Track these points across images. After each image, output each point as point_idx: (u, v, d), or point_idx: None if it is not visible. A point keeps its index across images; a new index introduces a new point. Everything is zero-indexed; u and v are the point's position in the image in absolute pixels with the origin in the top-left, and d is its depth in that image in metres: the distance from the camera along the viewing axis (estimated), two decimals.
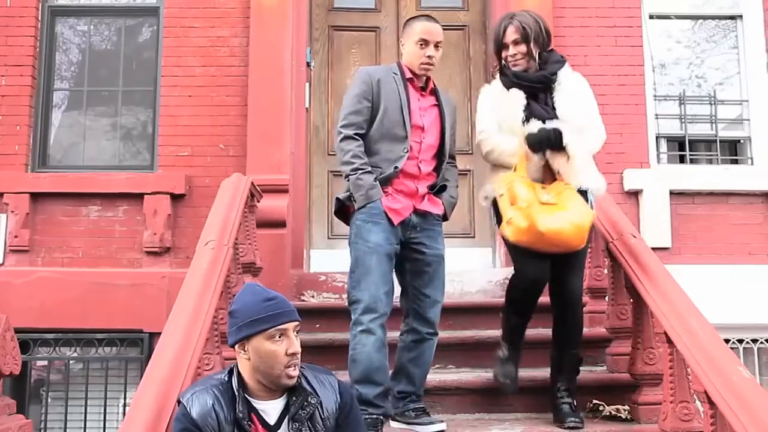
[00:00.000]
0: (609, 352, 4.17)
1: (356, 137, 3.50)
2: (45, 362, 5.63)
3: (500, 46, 3.71)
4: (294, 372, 2.42)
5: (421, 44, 3.57)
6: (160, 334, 3.13)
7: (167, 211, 5.64)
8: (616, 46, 6.01)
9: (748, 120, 6.13)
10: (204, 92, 5.86)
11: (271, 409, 2.43)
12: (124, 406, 5.38)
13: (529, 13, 3.69)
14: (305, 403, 2.43)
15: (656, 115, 6.08)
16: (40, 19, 6.05)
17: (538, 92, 3.63)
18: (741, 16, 6.25)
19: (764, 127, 6.03)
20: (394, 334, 3.61)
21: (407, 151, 3.50)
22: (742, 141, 6.17)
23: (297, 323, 2.47)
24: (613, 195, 5.16)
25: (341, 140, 3.53)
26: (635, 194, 5.80)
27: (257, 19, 5.82)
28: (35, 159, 5.91)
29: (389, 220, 3.47)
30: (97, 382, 5.46)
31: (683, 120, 6.16)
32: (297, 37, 5.88)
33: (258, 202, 4.96)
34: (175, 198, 5.70)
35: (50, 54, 6.10)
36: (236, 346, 2.44)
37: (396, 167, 3.48)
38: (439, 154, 3.63)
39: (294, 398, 2.43)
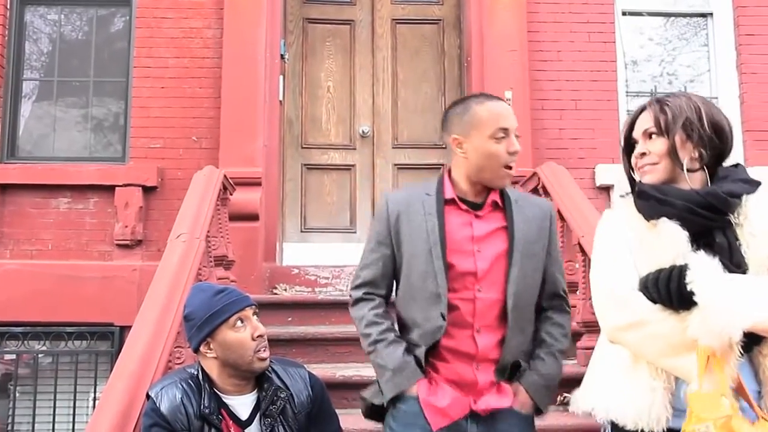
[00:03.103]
0: (579, 346, 4.18)
1: (370, 297, 2.37)
2: (13, 356, 5.55)
3: (628, 143, 2.11)
4: (265, 354, 2.41)
5: (502, 136, 2.28)
6: (130, 327, 3.11)
7: (139, 204, 5.59)
8: (589, 42, 6.05)
9: None
10: (176, 84, 5.81)
11: (241, 404, 2.42)
12: (94, 400, 5.33)
13: (689, 96, 2.06)
14: (275, 398, 2.41)
15: (628, 111, 6.12)
16: (9, 7, 5.95)
17: (712, 228, 1.93)
18: (711, 14, 6.33)
19: (733, 124, 6.09)
20: None
21: (445, 318, 2.22)
22: None
23: (254, 307, 2.47)
24: (585, 190, 5.20)
25: (351, 305, 2.42)
26: (607, 189, 5.85)
27: (231, 11, 5.78)
28: (4, 150, 5.82)
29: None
30: (67, 376, 5.40)
31: None
32: (271, 29, 5.85)
33: (230, 195, 4.94)
34: (147, 190, 5.65)
35: (19, 43, 6.01)
36: (201, 347, 2.41)
37: (432, 343, 2.23)
38: (509, 312, 2.25)
39: (264, 393, 2.42)
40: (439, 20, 6.42)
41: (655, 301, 1.88)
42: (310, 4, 6.38)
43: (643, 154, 2.03)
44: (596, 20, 6.09)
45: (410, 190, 2.48)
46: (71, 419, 5.36)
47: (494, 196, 2.33)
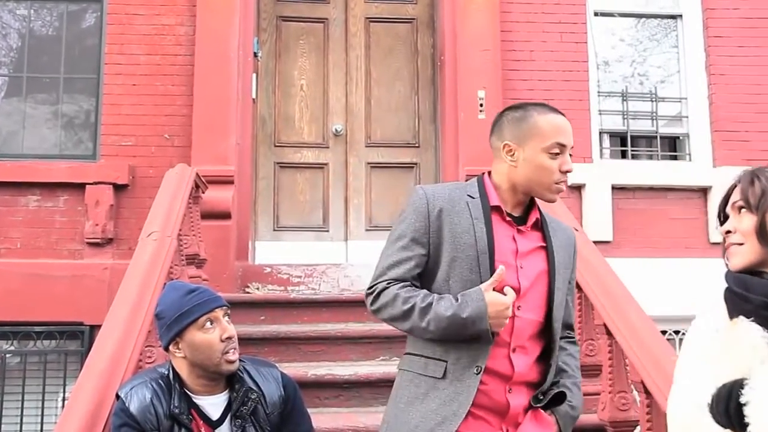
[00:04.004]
0: None
1: (395, 283, 2.10)
2: None
3: (722, 217, 1.79)
4: (233, 356, 2.39)
5: (557, 152, 2.13)
6: (101, 326, 3.08)
7: (110, 202, 5.54)
8: (562, 42, 6.09)
9: (687, 117, 6.28)
10: (148, 81, 5.77)
11: (212, 404, 2.41)
12: (64, 400, 5.27)
13: None
14: (246, 399, 2.40)
15: (599, 111, 6.19)
16: None
17: None
18: (681, 16, 6.41)
19: (702, 125, 6.19)
20: None
21: (495, 336, 2.04)
22: (681, 138, 6.33)
23: (226, 308, 2.45)
24: None
25: (373, 298, 2.12)
26: (578, 188, 5.90)
27: (204, 8, 5.74)
28: None
29: None
30: (35, 376, 5.34)
31: (625, 116, 6.28)
32: (244, 27, 5.83)
33: (203, 193, 4.91)
34: (118, 188, 5.60)
35: None
36: (170, 347, 2.40)
37: (479, 367, 2.04)
38: (548, 334, 2.16)
39: (235, 394, 2.41)
40: (413, 19, 6.43)
41: (722, 425, 1.53)
42: (284, 2, 6.36)
43: (729, 232, 1.71)
44: (568, 21, 6.14)
45: (447, 187, 2.24)
46: (39, 420, 5.30)
47: (536, 214, 2.20)
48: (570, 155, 2.17)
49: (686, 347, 1.74)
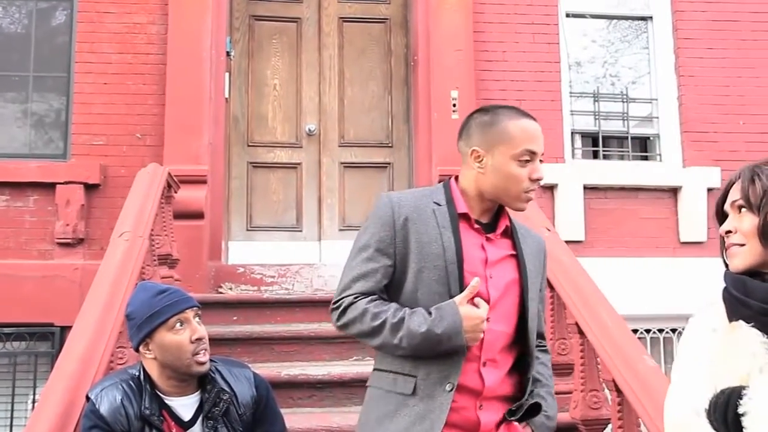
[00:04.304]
0: None
1: (362, 297, 2.00)
2: None
3: (721, 213, 1.75)
4: (203, 358, 2.38)
5: (527, 159, 2.03)
6: (72, 327, 3.05)
7: (81, 202, 5.48)
8: (534, 43, 6.13)
9: (658, 118, 6.36)
10: (120, 80, 5.72)
11: (183, 405, 2.40)
12: (34, 402, 5.22)
13: None
14: (218, 400, 2.39)
15: (571, 111, 6.25)
16: None
17: None
18: (651, 18, 6.48)
19: (672, 125, 6.27)
20: None
21: (466, 351, 1.96)
22: (651, 138, 6.41)
23: (197, 309, 2.44)
24: None
25: (339, 314, 2.03)
26: (551, 189, 5.95)
27: (176, 6, 5.70)
28: None
29: None
30: (5, 378, 5.28)
31: (597, 117, 6.34)
32: (217, 26, 5.80)
33: (175, 192, 4.88)
34: (89, 188, 5.54)
35: None
36: (140, 348, 2.39)
37: (452, 384, 1.95)
38: (520, 345, 2.08)
39: (206, 395, 2.40)
40: (386, 19, 6.43)
41: (718, 431, 1.51)
42: (257, 2, 6.33)
43: (729, 232, 1.66)
44: (541, 21, 6.18)
45: (413, 194, 2.14)
46: (9, 423, 5.23)
47: (506, 221, 2.11)
48: (540, 161, 2.06)
49: (683, 346, 1.71)
